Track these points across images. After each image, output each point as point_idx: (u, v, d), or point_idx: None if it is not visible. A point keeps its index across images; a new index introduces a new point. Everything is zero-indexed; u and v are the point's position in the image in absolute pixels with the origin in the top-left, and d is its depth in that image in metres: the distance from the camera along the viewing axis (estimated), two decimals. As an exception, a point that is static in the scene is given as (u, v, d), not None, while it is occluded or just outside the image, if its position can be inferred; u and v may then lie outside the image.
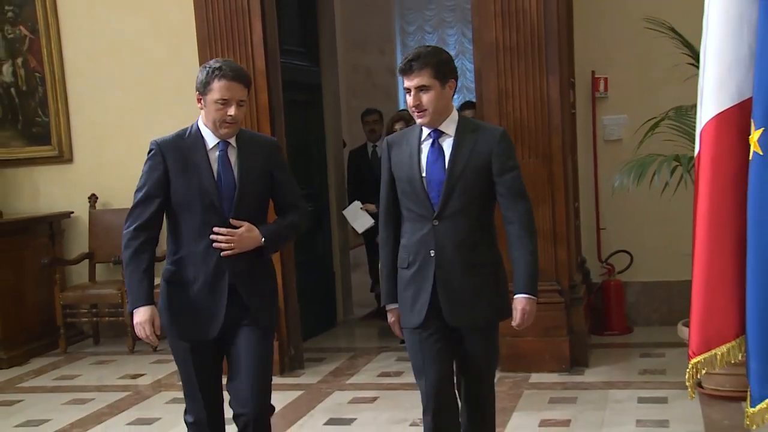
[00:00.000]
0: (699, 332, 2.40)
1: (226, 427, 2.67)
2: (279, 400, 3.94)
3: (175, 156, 2.46)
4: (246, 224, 2.46)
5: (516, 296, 2.54)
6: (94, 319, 5.38)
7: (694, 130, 3.95)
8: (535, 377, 4.22)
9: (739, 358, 2.34)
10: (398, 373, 4.51)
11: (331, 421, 3.81)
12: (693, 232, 2.45)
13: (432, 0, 7.76)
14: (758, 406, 2.27)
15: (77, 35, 5.47)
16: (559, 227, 4.26)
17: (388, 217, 2.65)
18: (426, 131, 2.58)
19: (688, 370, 2.46)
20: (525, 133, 4.24)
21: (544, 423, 3.67)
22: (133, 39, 5.33)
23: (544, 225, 4.21)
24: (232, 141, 2.51)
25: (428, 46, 2.63)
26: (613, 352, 4.68)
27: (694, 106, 3.97)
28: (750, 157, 2.19)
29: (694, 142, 3.97)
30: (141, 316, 2.44)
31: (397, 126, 4.89)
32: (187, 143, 2.49)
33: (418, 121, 2.55)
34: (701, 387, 3.91)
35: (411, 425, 3.69)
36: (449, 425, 2.62)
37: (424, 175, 2.55)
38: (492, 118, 4.24)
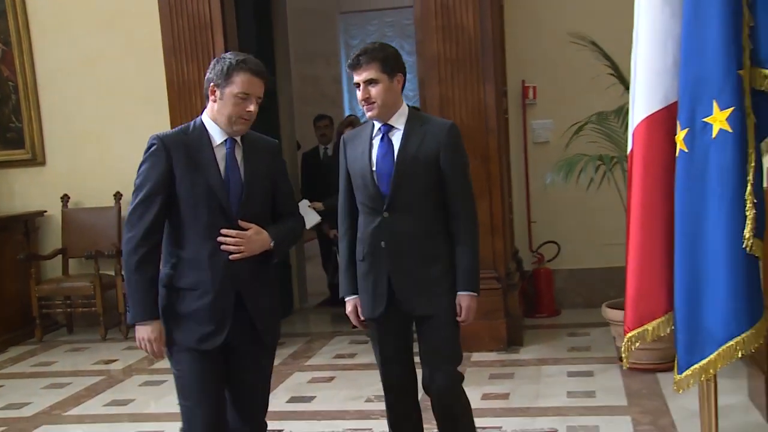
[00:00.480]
0: (633, 310, 2.48)
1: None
2: None
3: (179, 152, 2.24)
4: (254, 226, 2.29)
5: (459, 293, 2.56)
6: (68, 309, 5.64)
7: (615, 133, 4.40)
8: (476, 356, 4.57)
9: (668, 331, 2.42)
10: (352, 355, 4.84)
11: (293, 399, 4.08)
12: (627, 222, 2.53)
13: (374, 17, 8.19)
14: (684, 373, 2.36)
15: (49, 48, 5.71)
16: (496, 221, 4.64)
17: (345, 211, 2.67)
18: (377, 126, 2.58)
19: (624, 342, 2.55)
20: (465, 136, 4.37)
21: (486, 396, 3.97)
22: (103, 52, 5.58)
23: (483, 219, 4.50)
24: (239, 139, 2.33)
25: (375, 43, 2.62)
26: (544, 333, 5.05)
27: (614, 111, 4.44)
28: (677, 154, 2.26)
29: (615, 144, 4.42)
30: (149, 332, 2.25)
31: (347, 130, 5.27)
32: (191, 139, 2.28)
33: (368, 114, 2.54)
34: (621, 360, 4.35)
35: (366, 401, 3.98)
36: (406, 412, 2.69)
37: (374, 168, 2.55)
38: None
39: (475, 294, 2.59)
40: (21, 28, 5.59)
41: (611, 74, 4.34)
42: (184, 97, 4.63)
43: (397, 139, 2.54)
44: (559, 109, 5.27)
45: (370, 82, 2.47)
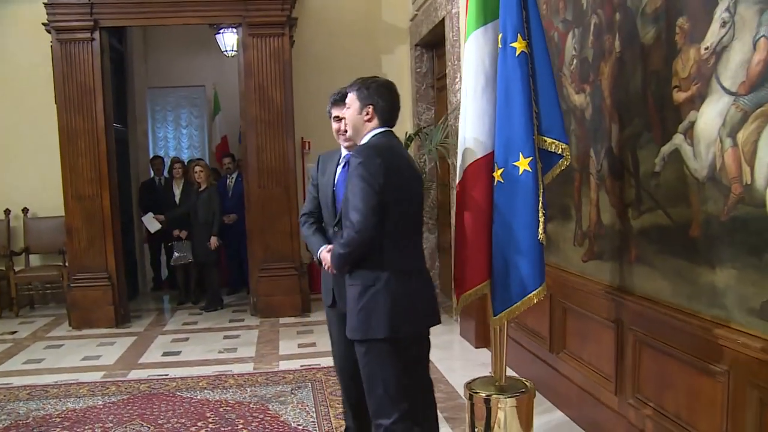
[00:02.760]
0: (463, 281, 3.06)
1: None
2: (124, 343, 5.84)
3: None
4: None
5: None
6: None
7: None
8: (283, 320, 6.45)
9: (485, 292, 3.05)
10: (195, 323, 6.57)
11: (165, 354, 5.47)
12: (457, 224, 3.06)
13: (171, 91, 10.80)
14: (498, 316, 2.99)
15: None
16: (294, 229, 6.57)
17: (309, 209, 3.03)
18: (344, 154, 2.94)
19: (460, 301, 3.10)
20: (274, 173, 6.58)
21: (301, 345, 5.50)
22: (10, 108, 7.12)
23: (285, 228, 6.58)
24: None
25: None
26: (320, 303, 6.76)
27: None
28: (495, 183, 2.88)
29: None
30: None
31: (177, 165, 7.26)
32: None
33: (344, 145, 2.93)
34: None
35: (219, 353, 5.40)
36: (350, 387, 3.10)
37: (334, 190, 2.90)
38: (253, 164, 6.56)
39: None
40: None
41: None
42: (72, 141, 6.18)
43: None
44: None
45: (340, 118, 2.90)
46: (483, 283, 3.05)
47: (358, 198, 2.44)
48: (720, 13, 2.43)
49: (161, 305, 7.65)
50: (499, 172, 2.91)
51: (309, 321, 6.52)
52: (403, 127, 7.11)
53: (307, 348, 5.52)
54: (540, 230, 2.85)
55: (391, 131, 2.73)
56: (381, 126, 2.68)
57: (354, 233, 2.46)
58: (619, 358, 3.31)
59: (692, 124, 2.64)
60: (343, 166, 2.90)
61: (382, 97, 2.65)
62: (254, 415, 4.07)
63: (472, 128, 3.01)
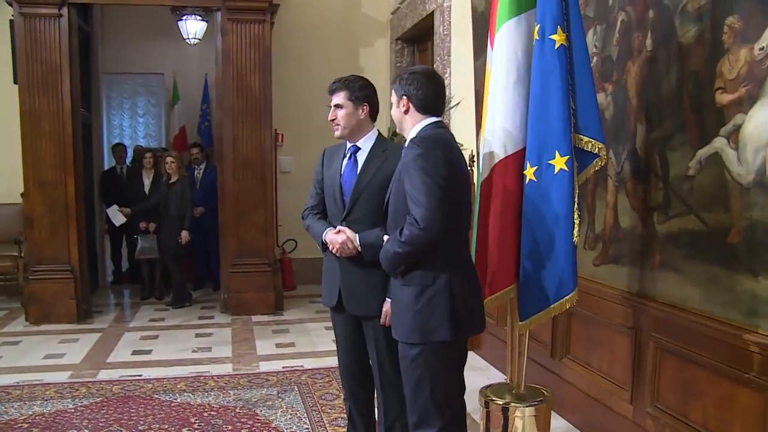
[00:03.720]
0: (491, 284, 2.90)
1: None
2: (88, 340, 5.49)
3: None
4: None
5: (386, 299, 2.68)
6: None
7: None
8: (255, 318, 6.19)
9: (512, 296, 2.93)
10: (162, 319, 6.24)
11: (135, 353, 5.12)
12: (481, 223, 2.91)
13: (128, 78, 10.55)
14: (528, 320, 2.88)
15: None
16: (269, 223, 6.41)
17: (313, 202, 2.90)
18: (348, 146, 2.80)
19: (487, 302, 2.87)
20: (250, 165, 6.32)
21: (279, 345, 5.25)
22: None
23: (259, 222, 6.34)
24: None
25: (351, 75, 2.80)
26: (293, 301, 6.77)
27: None
28: (526, 182, 2.76)
29: None
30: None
31: (147, 155, 6.86)
32: None
33: (335, 133, 2.77)
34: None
35: (193, 352, 5.10)
36: (355, 390, 2.97)
37: (342, 182, 2.77)
38: (229, 155, 6.30)
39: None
40: None
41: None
42: (35, 123, 5.75)
43: (361, 159, 2.76)
44: (297, 149, 7.42)
45: (337, 106, 2.73)
46: (510, 287, 2.92)
47: (422, 192, 2.25)
48: (777, 13, 2.35)
49: (122, 300, 7.26)
50: (532, 170, 2.78)
51: (283, 320, 6.29)
52: (380, 121, 6.93)
53: (287, 348, 5.31)
54: (575, 232, 2.73)
55: (442, 121, 2.55)
56: (426, 116, 2.50)
57: (418, 230, 2.26)
58: (636, 365, 3.22)
59: (738, 127, 2.55)
60: (349, 158, 2.79)
61: (416, 86, 2.47)
62: (242, 420, 3.84)
63: (502, 123, 2.87)
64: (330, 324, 5.26)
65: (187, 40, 8.85)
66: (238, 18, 6.23)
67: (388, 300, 2.66)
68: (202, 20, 8.57)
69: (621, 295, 3.31)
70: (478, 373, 4.51)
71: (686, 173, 2.84)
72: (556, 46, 2.71)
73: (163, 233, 6.65)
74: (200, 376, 4.60)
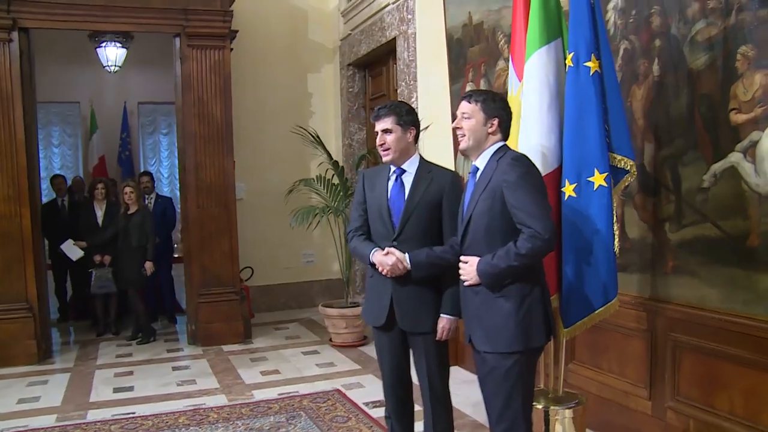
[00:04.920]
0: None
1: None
2: (58, 381, 5.16)
3: None
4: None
5: (441, 315, 2.82)
6: None
7: (320, 192, 6.28)
8: (226, 348, 6.02)
9: (554, 306, 3.03)
10: (129, 354, 5.96)
11: (117, 390, 4.85)
12: None
13: (41, 107, 9.29)
14: (573, 325, 3.05)
15: None
16: (234, 250, 6.28)
17: (357, 224, 2.95)
18: (392, 169, 2.89)
19: None
20: (212, 191, 6.20)
21: (264, 373, 5.19)
22: None
23: (225, 249, 6.20)
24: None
25: (395, 100, 2.95)
26: (258, 329, 6.65)
27: (316, 178, 6.34)
28: (565, 198, 2.95)
29: (322, 198, 6.28)
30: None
31: (99, 185, 6.62)
32: None
33: (384, 158, 2.85)
34: (331, 341, 5.96)
35: (178, 385, 4.89)
36: (398, 408, 3.04)
37: (389, 205, 2.85)
38: (191, 182, 6.16)
39: (453, 317, 2.81)
40: None
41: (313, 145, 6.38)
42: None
43: (408, 181, 2.86)
44: (248, 178, 7.41)
45: (386, 131, 2.81)
46: (553, 297, 3.08)
47: (539, 206, 2.41)
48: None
49: (77, 337, 6.84)
50: (572, 187, 2.99)
51: (255, 348, 6.18)
52: (330, 146, 7.06)
53: (273, 375, 5.26)
54: (616, 242, 2.97)
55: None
56: (503, 139, 2.66)
57: (541, 241, 2.38)
58: (653, 364, 3.49)
59: (754, 143, 2.88)
60: (395, 181, 2.89)
61: (507, 112, 2.64)
62: (264, 448, 3.79)
63: (537, 144, 3.05)
64: (308, 349, 5.65)
65: (107, 68, 8.61)
66: (197, 44, 6.15)
67: (444, 316, 2.80)
68: (122, 47, 8.39)
69: (633, 300, 3.57)
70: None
71: (700, 186, 3.15)
72: (591, 73, 2.95)
73: (122, 266, 6.37)
74: (198, 408, 4.48)
